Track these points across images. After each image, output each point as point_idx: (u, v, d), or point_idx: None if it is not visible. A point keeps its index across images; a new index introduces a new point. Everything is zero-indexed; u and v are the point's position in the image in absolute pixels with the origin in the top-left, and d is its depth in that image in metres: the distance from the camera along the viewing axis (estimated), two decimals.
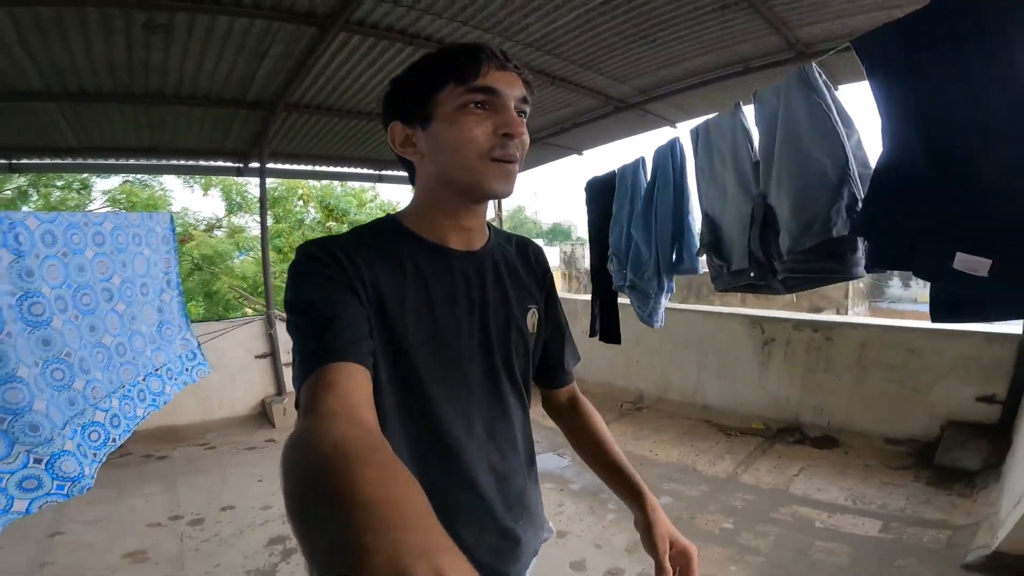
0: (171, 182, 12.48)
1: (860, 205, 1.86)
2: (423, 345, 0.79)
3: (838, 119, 1.98)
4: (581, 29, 2.86)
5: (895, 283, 11.82)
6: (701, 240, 2.72)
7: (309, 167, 5.31)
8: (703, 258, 2.76)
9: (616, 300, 3.58)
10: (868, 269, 2.01)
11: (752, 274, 2.37)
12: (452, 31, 2.81)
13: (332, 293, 0.72)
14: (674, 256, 2.92)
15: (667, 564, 0.84)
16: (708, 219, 2.66)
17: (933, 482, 3.00)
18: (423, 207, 0.84)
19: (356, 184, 12.55)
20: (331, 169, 5.49)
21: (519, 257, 0.96)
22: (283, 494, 0.44)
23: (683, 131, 2.91)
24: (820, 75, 2.04)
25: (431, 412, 0.81)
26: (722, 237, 2.56)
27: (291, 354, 0.70)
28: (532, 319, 0.94)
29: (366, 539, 0.33)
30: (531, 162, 5.74)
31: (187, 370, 3.12)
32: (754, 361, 4.15)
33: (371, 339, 0.72)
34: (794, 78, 2.10)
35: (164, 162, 4.78)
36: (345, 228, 7.59)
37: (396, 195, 16.64)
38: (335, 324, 0.68)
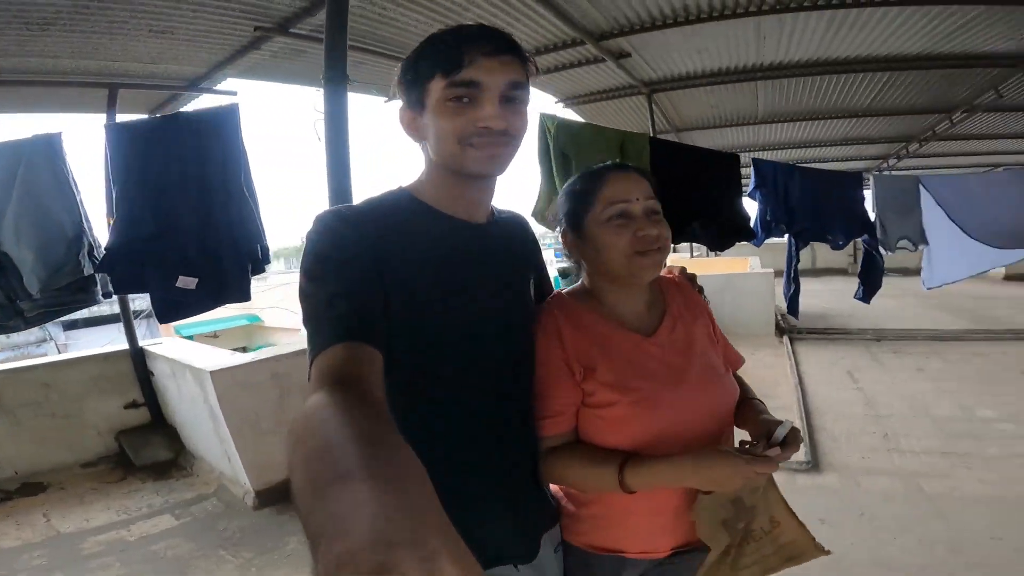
0: None
1: (101, 251, 2.58)
2: (444, 314, 0.85)
3: (75, 184, 2.58)
4: None
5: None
6: None
7: None
8: None
9: None
10: (110, 295, 2.84)
11: None
12: None
13: (349, 268, 0.75)
14: None
15: None
16: None
17: (156, 477, 3.81)
18: (434, 182, 0.90)
19: None
20: None
21: (516, 228, 1.06)
22: (288, 467, 0.46)
23: None
24: (62, 146, 2.55)
25: (457, 379, 0.87)
26: None
27: (304, 324, 0.73)
28: (531, 286, 1.05)
29: (356, 515, 0.33)
30: None
31: None
32: None
33: (384, 319, 0.75)
34: (41, 144, 2.51)
35: None
36: None
37: None
38: (351, 301, 0.72)
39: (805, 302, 5.59)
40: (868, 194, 5.02)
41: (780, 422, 0.95)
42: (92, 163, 2.81)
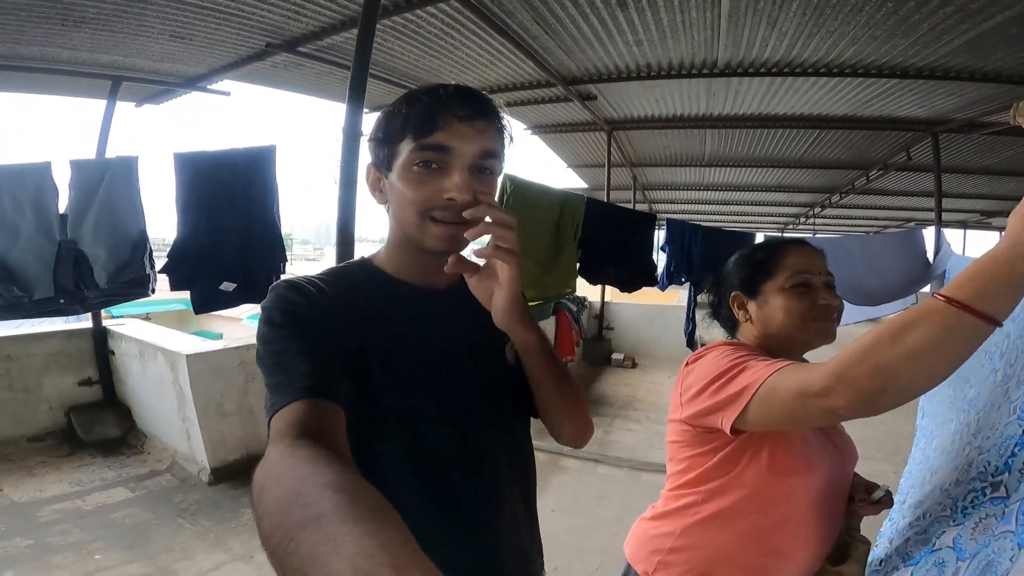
0: None
1: (167, 256, 3.09)
2: (405, 386, 0.79)
3: (143, 202, 3.15)
4: None
5: None
6: None
7: None
8: None
9: None
10: (154, 291, 3.30)
11: (62, 301, 3.12)
12: None
13: (306, 331, 0.71)
14: None
15: None
16: None
17: (106, 453, 3.97)
18: (395, 248, 0.85)
19: None
20: None
21: None
22: (256, 516, 0.44)
23: None
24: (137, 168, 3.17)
25: (414, 447, 0.79)
26: (14, 273, 3.02)
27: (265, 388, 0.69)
28: (511, 352, 0.91)
29: (335, 555, 0.33)
30: None
31: None
32: None
33: (344, 380, 0.71)
34: (122, 164, 3.11)
35: None
36: None
37: None
38: (310, 360, 0.67)
39: (710, 335, 6.24)
40: None
41: (878, 486, 1.13)
42: (154, 185, 3.49)
